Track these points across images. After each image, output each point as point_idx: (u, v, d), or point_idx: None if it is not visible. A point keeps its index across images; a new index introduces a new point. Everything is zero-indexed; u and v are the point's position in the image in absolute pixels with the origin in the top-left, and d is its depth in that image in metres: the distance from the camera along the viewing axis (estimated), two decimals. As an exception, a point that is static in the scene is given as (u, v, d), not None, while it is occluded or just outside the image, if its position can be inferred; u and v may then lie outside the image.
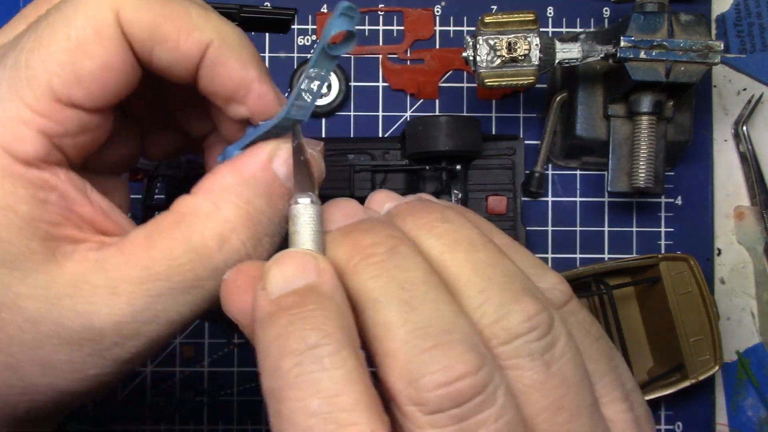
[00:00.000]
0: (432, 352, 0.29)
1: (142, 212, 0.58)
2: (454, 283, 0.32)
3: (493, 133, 0.62)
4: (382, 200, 0.36)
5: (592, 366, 0.33)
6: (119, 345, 0.34)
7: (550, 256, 0.62)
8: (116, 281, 0.33)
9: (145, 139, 0.43)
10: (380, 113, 0.61)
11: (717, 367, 0.57)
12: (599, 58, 0.53)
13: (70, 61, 0.32)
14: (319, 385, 0.28)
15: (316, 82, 0.34)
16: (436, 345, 0.29)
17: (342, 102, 0.61)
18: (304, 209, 0.33)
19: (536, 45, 0.51)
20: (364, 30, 0.62)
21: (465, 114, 0.62)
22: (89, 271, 0.34)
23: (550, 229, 0.62)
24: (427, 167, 0.57)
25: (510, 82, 0.51)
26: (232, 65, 0.35)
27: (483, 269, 0.32)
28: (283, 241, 0.35)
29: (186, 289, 0.34)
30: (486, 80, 0.51)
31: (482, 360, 0.29)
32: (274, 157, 0.35)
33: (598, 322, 0.36)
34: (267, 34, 0.61)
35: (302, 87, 0.34)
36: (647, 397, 0.57)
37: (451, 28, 0.62)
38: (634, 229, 0.62)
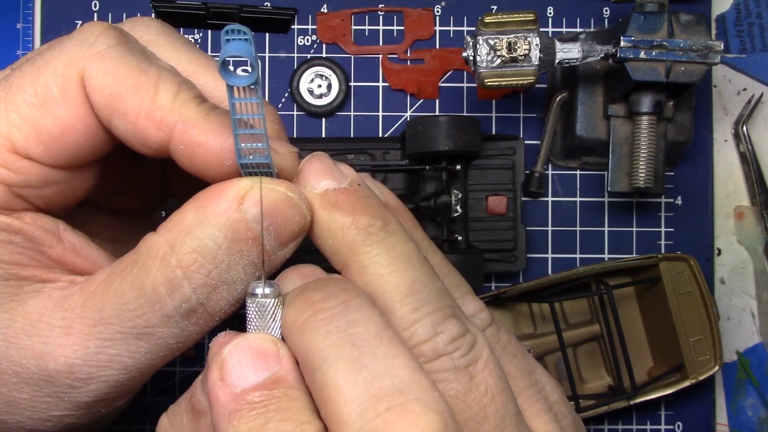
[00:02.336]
0: (386, 416, 0.27)
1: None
2: (389, 300, 0.31)
3: (493, 133, 0.62)
4: (319, 173, 0.34)
5: (512, 382, 0.34)
6: (75, 388, 0.33)
7: (550, 256, 0.62)
8: (72, 321, 0.33)
9: (170, 180, 0.42)
10: (380, 113, 0.61)
11: (717, 367, 0.57)
12: (599, 58, 0.53)
13: (33, 116, 0.31)
14: None
15: (250, 118, 0.30)
16: (390, 408, 0.27)
17: (342, 102, 0.61)
18: (261, 300, 0.31)
19: (536, 45, 0.51)
20: (365, 30, 0.62)
21: (465, 114, 0.62)
22: (49, 309, 0.33)
23: (550, 229, 0.62)
24: (427, 167, 0.57)
25: (510, 82, 0.51)
26: (206, 142, 0.32)
27: (418, 288, 0.32)
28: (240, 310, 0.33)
29: (138, 335, 0.32)
30: (486, 80, 0.51)
31: (443, 421, 0.27)
32: (246, 196, 0.32)
33: (517, 340, 0.37)
34: (267, 34, 0.61)
35: (237, 132, 0.30)
36: (647, 397, 0.57)
37: (451, 28, 0.62)
38: (634, 229, 0.62)
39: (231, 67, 0.28)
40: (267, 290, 0.31)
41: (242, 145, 0.31)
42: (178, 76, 0.33)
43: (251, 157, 0.31)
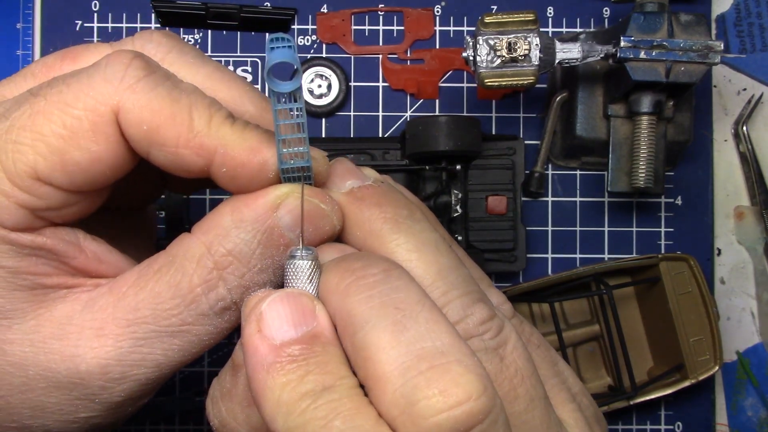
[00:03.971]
0: (428, 374, 0.27)
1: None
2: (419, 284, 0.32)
3: (493, 133, 0.62)
4: (344, 175, 0.35)
5: (540, 367, 0.35)
6: (107, 389, 0.34)
7: (550, 256, 0.62)
8: (103, 322, 0.33)
9: (169, 179, 0.42)
10: (380, 113, 0.61)
11: (717, 367, 0.57)
12: (599, 58, 0.53)
13: (60, 148, 0.32)
14: (340, 410, 0.28)
15: (292, 123, 0.31)
16: (432, 366, 0.28)
17: (342, 102, 0.61)
18: (300, 261, 0.32)
19: (536, 45, 0.51)
20: (365, 30, 0.62)
21: (465, 114, 0.62)
22: (78, 312, 0.34)
23: (550, 229, 0.62)
24: (427, 167, 0.57)
25: (510, 82, 0.51)
26: (247, 161, 0.33)
27: (446, 273, 0.33)
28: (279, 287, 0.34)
29: (173, 333, 0.33)
30: (486, 80, 0.51)
31: (482, 383, 0.28)
32: (282, 204, 0.33)
33: (539, 333, 0.38)
34: (267, 34, 0.61)
35: (279, 138, 0.32)
36: (647, 397, 0.57)
37: (451, 28, 0.62)
38: (634, 229, 0.62)
39: (275, 76, 0.29)
40: (306, 253, 0.32)
41: (284, 150, 0.32)
42: (206, 98, 0.33)
43: (292, 161, 0.33)
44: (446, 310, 0.32)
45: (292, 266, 0.32)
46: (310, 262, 0.32)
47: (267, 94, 0.31)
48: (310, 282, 0.32)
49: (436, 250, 0.33)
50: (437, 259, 0.33)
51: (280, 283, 0.34)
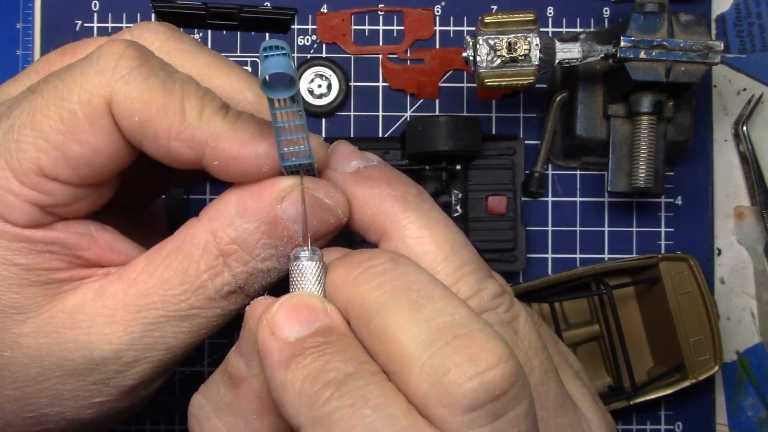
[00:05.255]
0: (453, 344, 0.27)
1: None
2: (432, 260, 0.32)
3: (493, 133, 0.62)
4: (349, 155, 0.36)
5: (546, 340, 0.36)
6: (121, 373, 0.34)
7: (550, 256, 0.62)
8: (114, 309, 0.34)
9: (173, 172, 0.43)
10: (380, 113, 0.61)
11: (717, 367, 0.57)
12: (599, 58, 0.53)
13: (60, 143, 0.32)
14: (368, 397, 0.27)
15: (291, 125, 0.31)
16: (456, 336, 0.27)
17: (342, 102, 0.61)
18: (306, 262, 0.32)
19: (536, 45, 0.51)
20: (365, 30, 0.62)
21: (465, 114, 0.62)
22: (89, 301, 0.34)
23: (550, 229, 0.62)
24: (427, 167, 0.57)
25: (510, 82, 0.51)
26: (238, 154, 0.33)
27: (459, 249, 0.33)
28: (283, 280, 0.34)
29: (182, 317, 0.34)
30: (486, 80, 0.51)
31: (508, 348, 0.28)
32: (285, 197, 0.34)
33: (537, 314, 0.39)
34: (267, 34, 0.61)
35: (279, 139, 0.32)
36: (647, 397, 0.57)
37: (451, 28, 0.62)
38: (634, 229, 0.62)
39: (271, 82, 0.29)
40: (311, 254, 0.32)
41: (284, 149, 0.32)
42: (200, 89, 0.33)
43: (294, 159, 0.33)
44: (461, 284, 0.32)
45: (298, 268, 0.32)
46: (316, 263, 0.32)
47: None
48: (318, 282, 0.32)
49: (446, 227, 0.34)
50: (449, 236, 0.33)
51: (284, 270, 0.34)
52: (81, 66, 0.33)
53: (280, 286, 0.35)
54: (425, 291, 0.29)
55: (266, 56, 0.28)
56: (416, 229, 0.33)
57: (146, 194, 0.42)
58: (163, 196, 0.58)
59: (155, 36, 0.37)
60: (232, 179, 0.34)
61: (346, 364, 0.28)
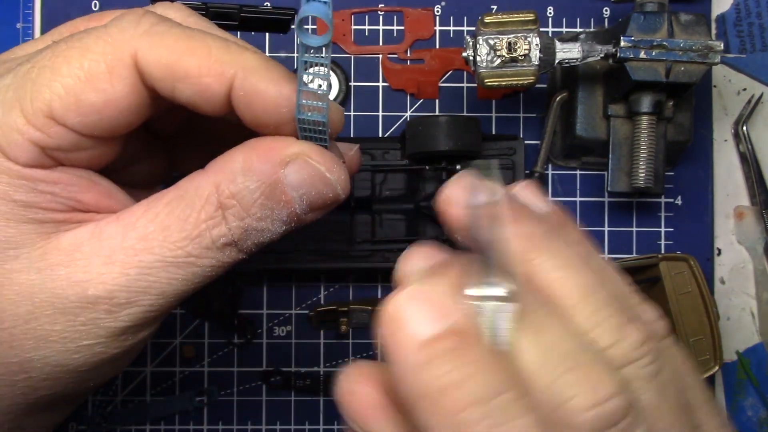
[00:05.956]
0: (574, 373, 0.27)
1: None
2: (564, 306, 0.29)
3: (493, 133, 0.62)
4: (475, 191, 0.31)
5: (691, 394, 0.32)
6: (113, 313, 0.35)
7: (550, 256, 0.62)
8: (111, 250, 0.34)
9: (176, 154, 0.43)
10: (380, 113, 0.61)
11: (717, 367, 0.57)
12: (599, 58, 0.53)
13: (77, 88, 0.33)
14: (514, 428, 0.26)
15: (316, 80, 0.33)
16: (575, 366, 0.27)
17: (342, 102, 0.61)
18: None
19: (536, 45, 0.51)
20: (365, 30, 0.62)
21: (465, 114, 0.62)
22: (86, 240, 0.35)
23: (550, 229, 0.62)
24: (427, 167, 0.56)
25: (510, 82, 0.51)
26: (264, 89, 0.34)
27: (593, 291, 0.30)
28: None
29: (178, 264, 0.35)
30: (486, 80, 0.51)
31: (620, 381, 0.27)
32: (290, 163, 0.34)
33: (691, 357, 0.35)
34: (267, 34, 0.61)
35: (300, 88, 0.33)
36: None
37: (451, 28, 0.62)
38: (634, 229, 0.62)
39: (306, 27, 0.29)
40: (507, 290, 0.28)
41: (303, 101, 0.33)
42: (220, 36, 0.35)
43: (309, 114, 0.34)
44: (598, 331, 0.29)
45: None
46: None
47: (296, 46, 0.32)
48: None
49: (580, 264, 0.30)
50: (581, 275, 0.30)
51: (276, 233, 0.35)
52: (105, 26, 0.34)
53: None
54: (541, 315, 0.28)
55: (308, 0, 0.29)
56: (550, 270, 0.30)
57: (146, 178, 0.43)
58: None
59: (177, 12, 0.38)
60: (251, 116, 0.35)
61: (496, 377, 0.26)
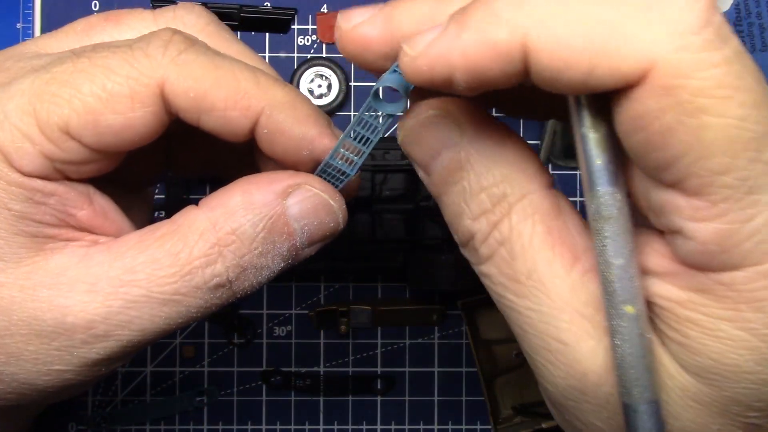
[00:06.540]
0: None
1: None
2: None
3: (493, 133, 0.62)
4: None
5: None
6: (88, 344, 0.34)
7: (550, 256, 0.61)
8: (97, 278, 0.33)
9: (172, 153, 0.43)
10: (380, 113, 0.61)
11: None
12: (599, 58, 0.53)
13: (96, 108, 0.32)
14: None
15: (363, 138, 0.33)
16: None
17: (342, 102, 0.61)
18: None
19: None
20: (364, 30, 0.62)
21: (465, 114, 0.62)
22: (73, 265, 0.34)
23: (550, 229, 0.62)
24: (427, 167, 0.56)
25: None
26: (289, 129, 0.34)
27: None
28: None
29: (164, 301, 0.34)
30: (486, 80, 0.51)
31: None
32: (292, 193, 0.34)
33: None
34: (267, 34, 0.61)
35: (344, 138, 0.33)
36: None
37: (451, 28, 0.62)
38: (634, 229, 0.62)
39: (381, 95, 0.31)
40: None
41: (342, 150, 0.33)
42: (249, 66, 0.34)
43: (340, 161, 0.34)
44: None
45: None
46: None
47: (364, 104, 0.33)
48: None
49: None
50: None
51: (275, 270, 0.35)
52: (131, 47, 0.33)
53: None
54: None
55: (395, 70, 0.30)
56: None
57: (141, 178, 0.42)
58: (162, 196, 0.58)
59: (197, 19, 0.37)
60: (272, 153, 0.34)
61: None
